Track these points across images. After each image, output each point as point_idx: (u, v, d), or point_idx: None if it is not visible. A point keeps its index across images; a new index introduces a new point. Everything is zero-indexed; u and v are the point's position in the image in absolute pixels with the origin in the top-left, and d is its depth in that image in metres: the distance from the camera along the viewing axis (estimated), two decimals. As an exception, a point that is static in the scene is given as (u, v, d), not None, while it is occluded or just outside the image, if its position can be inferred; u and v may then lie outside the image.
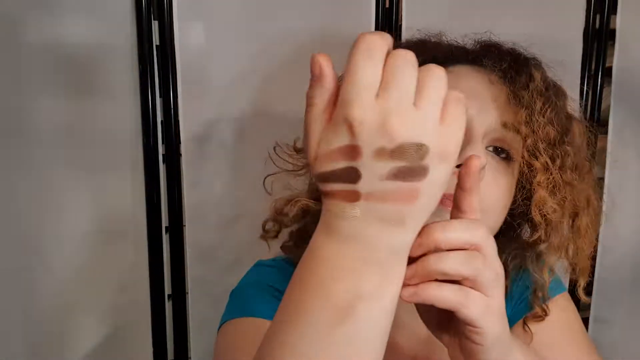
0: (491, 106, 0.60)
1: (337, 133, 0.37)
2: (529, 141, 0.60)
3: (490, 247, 0.43)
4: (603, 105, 1.00)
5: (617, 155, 0.98)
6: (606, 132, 1.00)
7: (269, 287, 0.63)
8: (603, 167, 0.99)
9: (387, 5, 0.96)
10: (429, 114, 0.37)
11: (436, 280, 0.42)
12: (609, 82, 1.00)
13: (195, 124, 0.95)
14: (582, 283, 0.67)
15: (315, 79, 0.39)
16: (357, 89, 0.36)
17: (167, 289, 1.00)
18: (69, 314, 0.99)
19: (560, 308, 0.70)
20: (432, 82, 0.37)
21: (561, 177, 0.60)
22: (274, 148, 0.75)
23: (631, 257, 1.02)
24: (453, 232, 0.41)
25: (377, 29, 0.96)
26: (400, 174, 0.37)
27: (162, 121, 0.95)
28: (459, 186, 0.44)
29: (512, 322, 0.68)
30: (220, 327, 0.64)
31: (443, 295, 0.41)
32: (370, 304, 0.38)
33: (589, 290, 1.01)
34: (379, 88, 0.36)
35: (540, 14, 0.98)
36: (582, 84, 1.00)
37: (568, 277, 0.72)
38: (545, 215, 0.60)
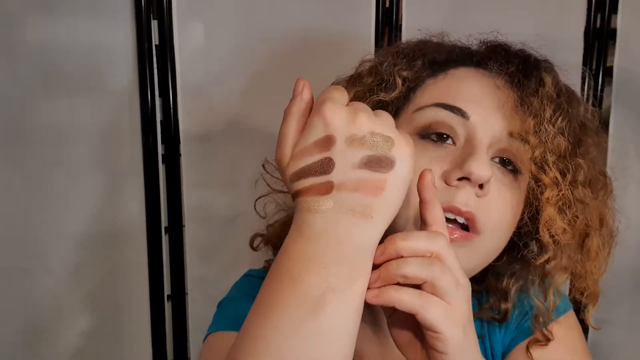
0: (497, 113, 0.55)
1: (312, 129, 0.43)
2: (537, 153, 0.55)
3: (451, 257, 0.44)
4: (603, 105, 1.00)
5: (617, 155, 0.98)
6: (606, 132, 0.99)
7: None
8: (603, 167, 0.98)
9: (387, 5, 0.96)
10: (388, 121, 0.44)
11: (398, 284, 0.43)
12: (610, 82, 1.00)
13: (195, 124, 0.95)
14: (590, 309, 0.63)
15: (296, 94, 0.45)
16: (331, 94, 0.43)
17: (167, 289, 1.00)
18: (68, 314, 0.99)
19: (566, 327, 0.65)
20: (382, 112, 0.45)
21: (572, 194, 0.55)
22: (263, 166, 0.70)
23: (632, 258, 1.02)
24: (413, 240, 0.43)
25: (377, 29, 0.96)
26: (370, 163, 0.42)
27: (161, 121, 0.95)
28: (420, 199, 0.47)
29: (511, 346, 0.65)
30: (205, 337, 0.62)
31: (403, 298, 0.42)
32: (340, 298, 0.40)
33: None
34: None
35: (540, 13, 0.97)
36: (582, 83, 0.99)
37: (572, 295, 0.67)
38: (554, 236, 0.55)
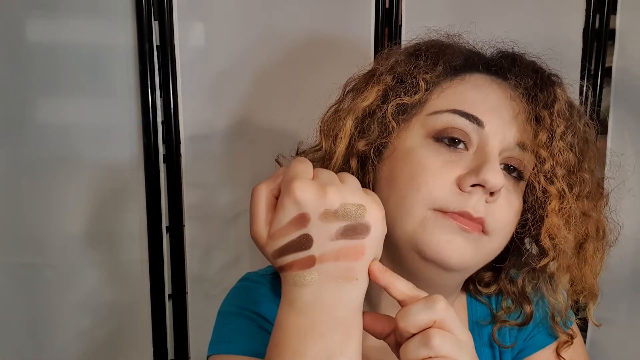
0: (511, 124, 0.57)
1: (285, 210, 0.44)
2: (547, 166, 0.56)
3: (451, 318, 0.45)
4: (603, 105, 1.00)
5: (616, 155, 0.98)
6: (606, 132, 1.00)
7: (254, 315, 0.61)
8: (603, 167, 0.99)
9: (387, 5, 0.96)
10: (355, 186, 0.46)
11: None
12: (609, 82, 1.00)
13: (195, 124, 0.96)
14: (592, 307, 0.64)
15: (273, 177, 0.46)
16: (296, 173, 0.44)
17: (168, 289, 1.00)
18: (70, 313, 0.99)
19: (576, 334, 0.67)
20: (346, 175, 0.47)
21: (576, 206, 0.57)
22: (277, 160, 0.71)
23: (631, 257, 1.02)
24: (413, 316, 0.44)
25: (377, 29, 0.96)
26: (347, 232, 0.43)
27: (162, 121, 0.95)
28: (380, 286, 0.47)
29: (520, 356, 0.67)
30: (208, 357, 0.62)
31: None
32: (341, 359, 0.43)
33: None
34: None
35: (540, 14, 0.98)
36: (581, 84, 1.00)
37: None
38: (555, 242, 0.58)
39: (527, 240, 0.62)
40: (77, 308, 0.99)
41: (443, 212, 0.54)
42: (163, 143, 0.96)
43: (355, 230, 0.44)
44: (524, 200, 0.58)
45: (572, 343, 0.66)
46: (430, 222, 0.53)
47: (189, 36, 0.93)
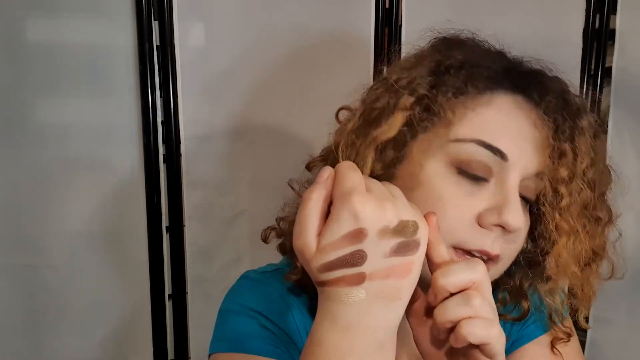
0: (532, 154, 0.55)
1: (340, 222, 0.42)
2: (563, 203, 0.55)
3: (487, 284, 0.46)
4: (603, 105, 1.00)
5: (616, 155, 0.98)
6: (606, 132, 1.00)
7: (254, 313, 0.60)
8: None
9: (387, 6, 0.96)
10: (404, 199, 0.45)
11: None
12: (609, 82, 1.00)
13: (195, 124, 0.96)
14: (583, 311, 0.63)
15: (320, 180, 0.44)
16: (353, 184, 0.42)
17: (168, 289, 1.00)
18: (69, 313, 0.99)
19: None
20: (392, 186, 0.45)
21: (588, 244, 0.57)
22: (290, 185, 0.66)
23: (632, 257, 1.02)
24: (455, 276, 0.45)
25: (377, 29, 0.96)
26: (400, 249, 0.42)
27: (162, 121, 0.95)
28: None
29: (513, 347, 0.67)
30: (210, 355, 0.62)
31: (475, 332, 0.44)
32: None
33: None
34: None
35: (540, 13, 0.98)
36: (582, 83, 1.00)
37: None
38: (559, 266, 0.58)
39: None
40: (77, 308, 0.99)
41: (462, 249, 0.54)
42: (163, 143, 0.96)
43: (407, 247, 0.42)
44: (530, 212, 0.58)
45: (569, 340, 0.66)
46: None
47: (189, 36, 0.93)
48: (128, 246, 0.98)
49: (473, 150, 0.54)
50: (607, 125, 0.99)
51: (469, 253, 0.53)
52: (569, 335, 0.65)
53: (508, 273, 0.65)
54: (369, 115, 0.58)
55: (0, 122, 0.92)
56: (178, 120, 0.95)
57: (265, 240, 0.72)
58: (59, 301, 0.98)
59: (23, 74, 0.91)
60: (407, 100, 0.56)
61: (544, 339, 0.66)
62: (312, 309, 0.60)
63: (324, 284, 0.43)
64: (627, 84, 0.98)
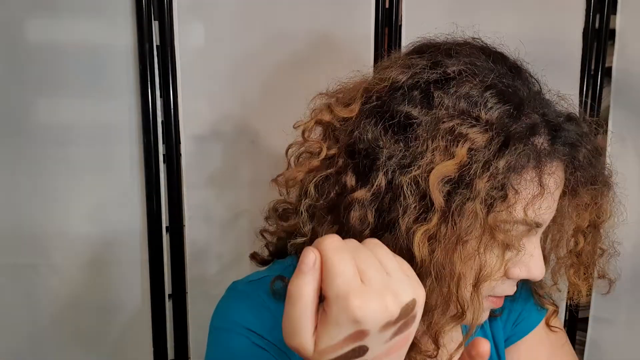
0: (554, 205, 0.55)
1: (340, 326, 0.39)
2: (569, 262, 0.61)
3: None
4: (603, 105, 1.01)
5: (616, 155, 0.98)
6: (606, 132, 1.00)
7: (245, 331, 0.60)
8: (602, 166, 0.99)
9: (387, 6, 0.96)
10: (398, 273, 0.40)
11: None
12: (609, 82, 1.00)
13: (195, 124, 0.96)
14: (584, 291, 0.65)
15: (306, 269, 0.39)
16: (346, 282, 0.38)
17: (168, 289, 1.00)
18: (70, 313, 0.99)
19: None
20: (381, 251, 0.41)
21: (594, 268, 0.62)
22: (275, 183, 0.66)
23: (631, 257, 1.02)
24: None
25: (376, 29, 0.96)
26: (400, 329, 0.40)
27: (162, 121, 0.95)
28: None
29: (509, 342, 0.70)
30: None
31: None
32: None
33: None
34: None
35: (540, 13, 0.98)
36: (582, 84, 1.00)
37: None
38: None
39: None
40: (76, 308, 0.99)
41: (491, 296, 0.58)
42: (163, 143, 0.96)
43: (407, 325, 0.41)
44: None
45: (557, 312, 0.70)
46: (479, 305, 0.55)
47: (189, 36, 0.93)
48: (128, 246, 0.98)
49: (520, 229, 0.55)
50: (607, 126, 0.99)
51: (492, 300, 0.58)
52: (557, 306, 0.70)
53: None
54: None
55: (0, 122, 0.92)
56: (178, 120, 0.95)
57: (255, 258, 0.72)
58: (59, 301, 0.98)
59: (23, 74, 0.91)
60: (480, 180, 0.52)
61: (540, 326, 0.70)
62: None
63: None
64: (627, 84, 0.98)
